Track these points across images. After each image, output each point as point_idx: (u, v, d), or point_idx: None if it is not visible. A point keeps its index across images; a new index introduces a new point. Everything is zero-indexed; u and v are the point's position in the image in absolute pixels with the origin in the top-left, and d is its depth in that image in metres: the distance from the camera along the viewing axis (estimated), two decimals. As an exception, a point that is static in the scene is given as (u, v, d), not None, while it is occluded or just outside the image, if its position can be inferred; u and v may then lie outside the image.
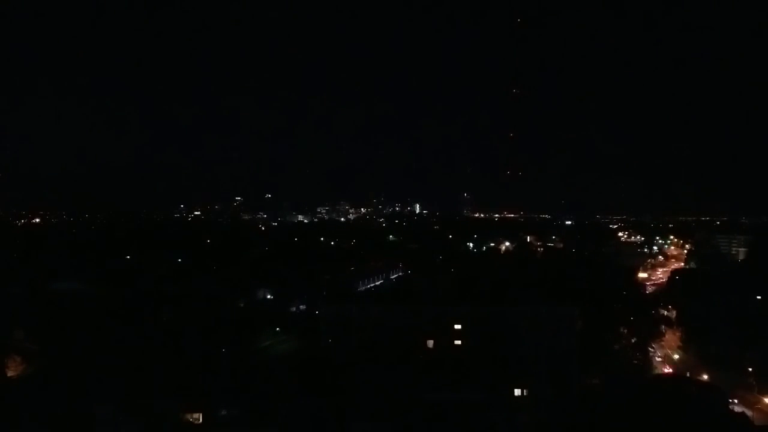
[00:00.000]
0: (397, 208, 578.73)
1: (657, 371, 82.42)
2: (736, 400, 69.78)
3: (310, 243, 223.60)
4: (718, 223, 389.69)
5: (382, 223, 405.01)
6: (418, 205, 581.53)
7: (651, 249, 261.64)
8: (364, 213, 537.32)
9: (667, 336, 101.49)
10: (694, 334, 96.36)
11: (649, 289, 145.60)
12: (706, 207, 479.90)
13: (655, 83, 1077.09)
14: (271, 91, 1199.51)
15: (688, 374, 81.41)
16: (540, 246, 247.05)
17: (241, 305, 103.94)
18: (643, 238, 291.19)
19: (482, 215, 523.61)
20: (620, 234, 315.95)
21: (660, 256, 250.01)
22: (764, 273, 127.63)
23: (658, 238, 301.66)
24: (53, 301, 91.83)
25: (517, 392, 59.81)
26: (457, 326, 72.76)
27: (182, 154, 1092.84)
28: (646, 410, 52.53)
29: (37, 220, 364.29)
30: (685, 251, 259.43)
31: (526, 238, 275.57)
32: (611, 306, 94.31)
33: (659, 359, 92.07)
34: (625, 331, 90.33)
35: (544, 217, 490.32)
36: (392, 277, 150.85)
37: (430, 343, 71.29)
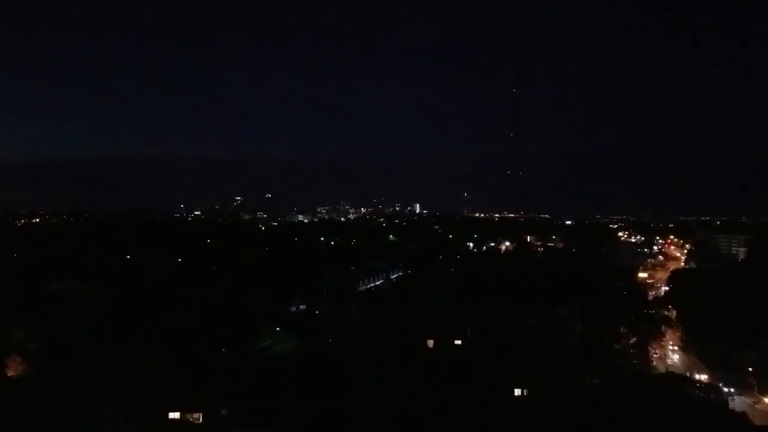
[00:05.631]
0: (397, 208, 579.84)
1: (657, 371, 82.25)
2: (736, 400, 69.79)
3: (310, 243, 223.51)
4: (718, 223, 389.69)
5: (382, 223, 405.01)
6: (418, 205, 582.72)
7: (651, 249, 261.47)
8: (364, 213, 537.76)
9: (667, 336, 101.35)
10: (694, 334, 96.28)
11: (650, 289, 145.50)
12: (706, 207, 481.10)
13: (655, 83, 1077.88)
14: (271, 90, 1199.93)
15: (688, 374, 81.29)
16: (540, 246, 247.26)
17: (242, 305, 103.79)
18: (643, 238, 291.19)
19: (482, 215, 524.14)
20: (620, 234, 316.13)
21: (660, 256, 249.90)
22: (764, 273, 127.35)
23: (658, 238, 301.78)
24: (53, 301, 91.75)
25: (518, 392, 59.63)
26: (457, 326, 72.72)
27: (182, 153, 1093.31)
28: (646, 410, 52.42)
29: (37, 220, 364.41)
30: (685, 251, 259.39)
31: (526, 238, 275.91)
32: (611, 306, 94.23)
33: (659, 359, 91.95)
34: (625, 331, 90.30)
35: (544, 217, 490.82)
36: (392, 277, 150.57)
37: (430, 342, 71.21)
